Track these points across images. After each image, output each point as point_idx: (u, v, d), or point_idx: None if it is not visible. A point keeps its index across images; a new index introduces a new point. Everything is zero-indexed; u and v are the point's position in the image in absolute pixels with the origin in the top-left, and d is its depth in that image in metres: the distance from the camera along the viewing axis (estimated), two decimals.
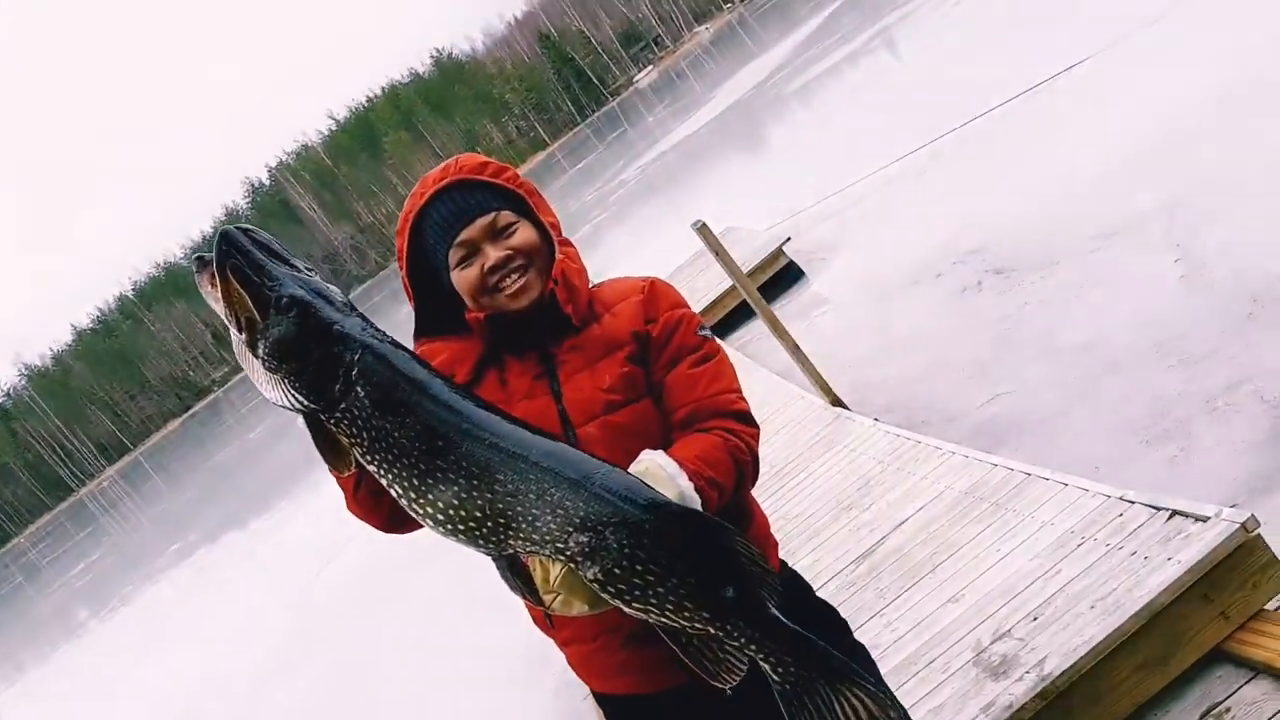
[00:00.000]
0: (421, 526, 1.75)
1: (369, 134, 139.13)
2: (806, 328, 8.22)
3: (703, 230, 5.62)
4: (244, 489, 27.55)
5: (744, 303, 8.93)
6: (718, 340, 1.92)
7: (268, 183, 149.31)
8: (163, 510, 39.89)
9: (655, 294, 1.90)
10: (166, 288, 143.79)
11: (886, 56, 21.31)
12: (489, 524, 1.56)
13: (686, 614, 1.55)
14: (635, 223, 22.76)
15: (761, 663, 1.57)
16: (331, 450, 1.62)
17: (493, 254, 1.79)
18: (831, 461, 4.95)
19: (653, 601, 1.55)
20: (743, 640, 1.56)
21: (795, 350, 5.99)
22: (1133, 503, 2.99)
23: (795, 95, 24.65)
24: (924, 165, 10.64)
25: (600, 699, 2.00)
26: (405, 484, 1.59)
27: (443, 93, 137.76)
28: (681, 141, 32.74)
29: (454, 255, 1.81)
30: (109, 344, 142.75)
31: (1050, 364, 5.46)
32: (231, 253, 1.58)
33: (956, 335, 6.56)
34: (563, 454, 1.60)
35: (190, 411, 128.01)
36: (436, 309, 1.90)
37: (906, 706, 2.75)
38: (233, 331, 1.60)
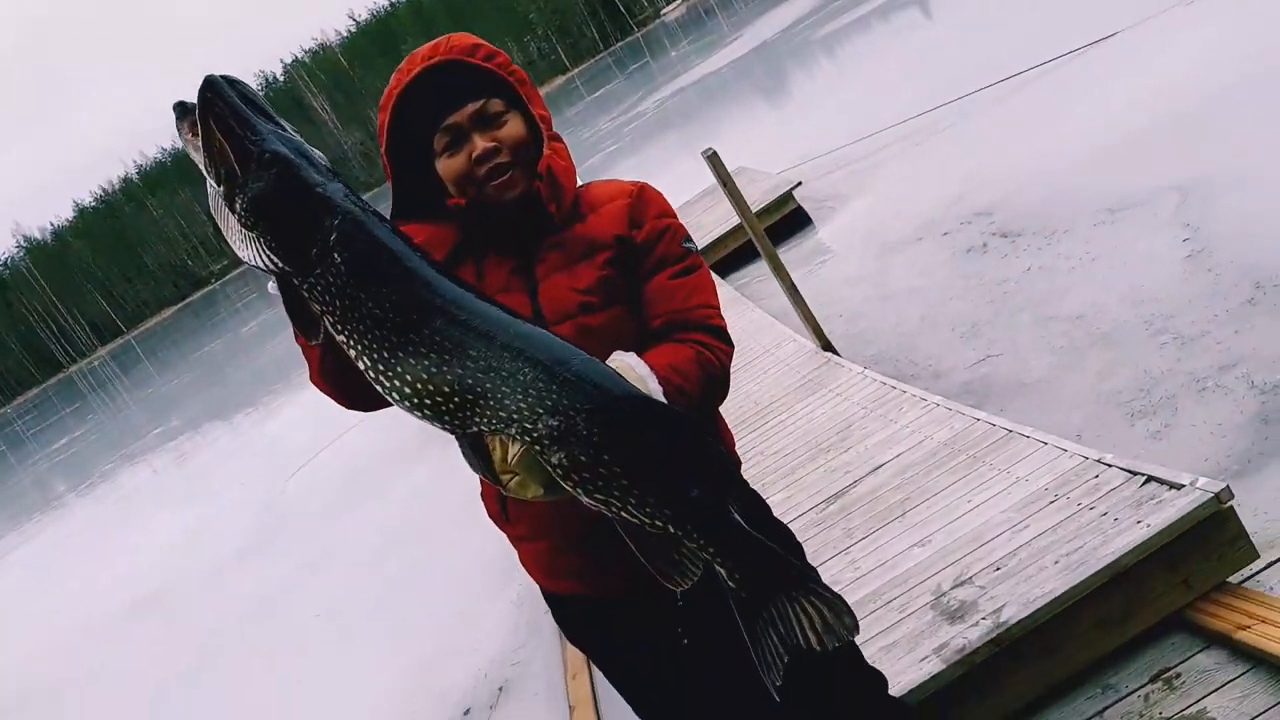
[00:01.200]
0: (386, 404, 1.71)
1: (389, 38, 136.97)
2: (807, 274, 8.18)
3: (713, 159, 5.54)
4: (231, 381, 27.58)
5: (747, 244, 8.87)
6: (700, 255, 1.87)
7: (281, 78, 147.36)
8: (150, 394, 39.89)
9: (644, 199, 1.85)
10: (172, 173, 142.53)
11: (918, 13, 20.94)
12: (456, 399, 1.52)
13: (648, 511, 1.52)
14: (647, 155, 22.50)
15: (719, 568, 1.55)
16: (301, 316, 1.58)
17: (480, 143, 1.73)
18: (815, 404, 4.94)
19: (615, 495, 1.51)
20: (702, 542, 1.53)
21: (793, 291, 5.94)
22: (1109, 465, 2.98)
23: (821, 43, 24.29)
24: (943, 123, 10.54)
25: (548, 597, 2.00)
26: (374, 356, 1.54)
27: (465, 4, 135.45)
28: (702, 79, 32.29)
29: (439, 140, 1.75)
30: (110, 225, 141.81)
31: (1045, 330, 5.44)
32: (215, 101, 1.51)
33: (955, 294, 6.52)
34: (539, 337, 1.56)
35: (185, 301, 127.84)
36: (415, 190, 1.84)
37: (861, 641, 2.77)
38: (210, 183, 1.55)
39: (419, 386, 1.53)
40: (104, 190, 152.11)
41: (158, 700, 7.78)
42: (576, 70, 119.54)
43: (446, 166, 1.76)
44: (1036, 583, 2.65)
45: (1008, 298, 6.05)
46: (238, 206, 1.52)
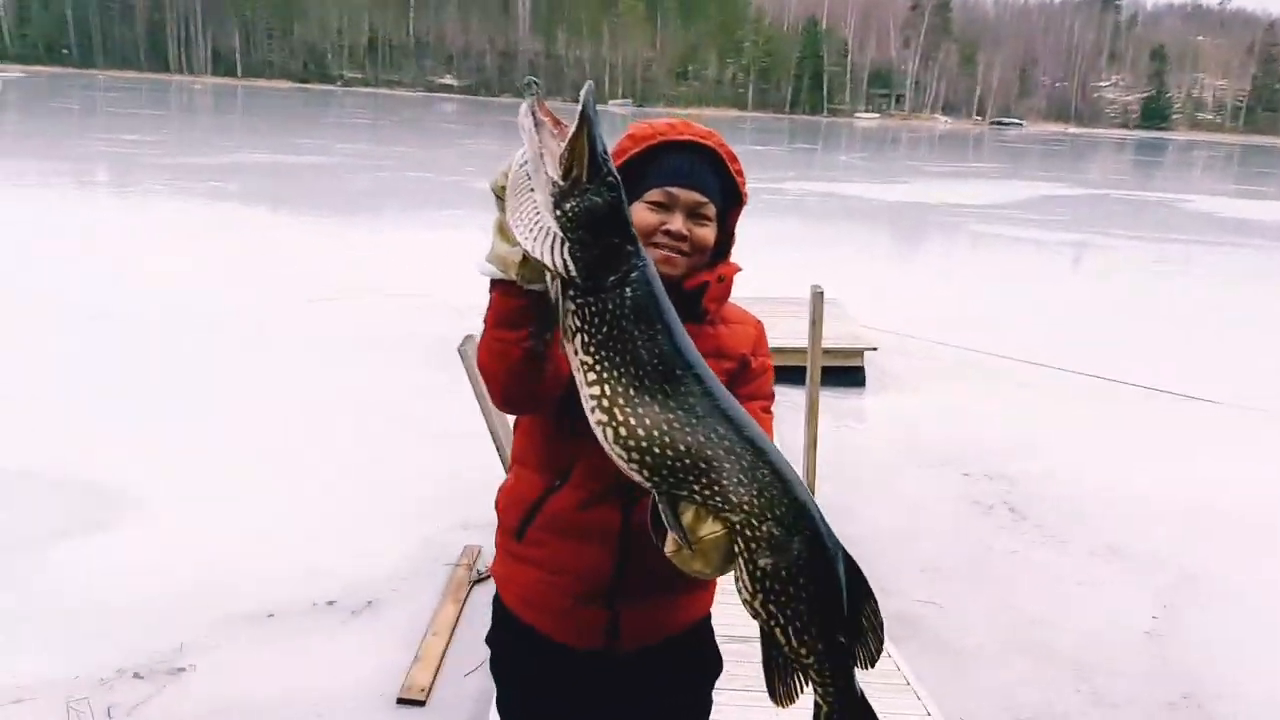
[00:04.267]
0: (532, 410, 1.86)
1: None
2: (830, 428, 8.38)
3: (817, 298, 5.81)
4: (305, 184, 27.80)
5: (799, 369, 9.13)
6: None
7: None
8: (232, 145, 40.14)
9: (763, 337, 2.13)
10: None
11: (1075, 261, 21.13)
12: (685, 461, 1.60)
13: (804, 639, 1.65)
14: (756, 230, 22.75)
15: (823, 705, 1.72)
16: (547, 318, 1.65)
17: (677, 224, 1.93)
18: None
19: (785, 614, 1.64)
20: (827, 682, 1.69)
21: (812, 445, 6.16)
22: None
23: (975, 236, 24.54)
24: (1038, 379, 10.67)
25: (505, 619, 2.10)
26: (619, 388, 1.60)
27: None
28: (851, 196, 32.63)
29: (655, 193, 1.94)
30: None
31: (995, 615, 5.63)
32: (592, 105, 1.58)
33: (940, 533, 6.73)
34: (773, 448, 1.68)
35: (304, 85, 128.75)
36: None
37: None
38: (543, 173, 1.58)
39: (655, 434, 1.60)
40: None
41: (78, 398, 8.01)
42: (752, 114, 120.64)
43: (640, 216, 1.93)
44: None
45: (982, 566, 6.26)
46: (567, 207, 1.57)
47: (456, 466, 6.91)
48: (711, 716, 2.24)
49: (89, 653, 4.63)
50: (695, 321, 1.98)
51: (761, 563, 1.61)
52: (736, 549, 1.63)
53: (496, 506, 2.11)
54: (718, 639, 4.07)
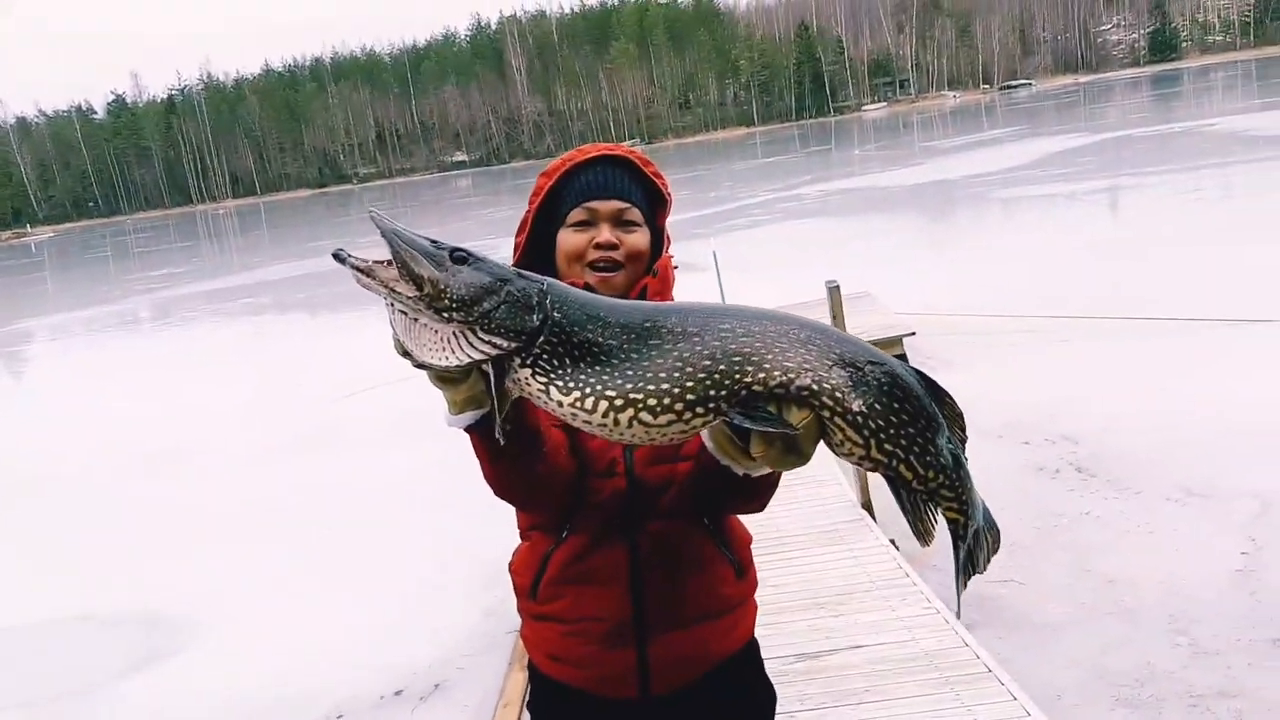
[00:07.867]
0: (544, 501, 1.85)
1: (603, 30, 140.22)
2: None
3: (834, 292, 5.70)
4: (331, 280, 28.27)
5: None
6: None
7: (493, 28, 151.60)
8: (256, 261, 40.99)
9: None
10: (358, 70, 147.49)
11: (1110, 213, 20.71)
12: (723, 366, 1.52)
13: (928, 461, 1.56)
14: (781, 239, 22.68)
15: (950, 516, 1.62)
16: (502, 403, 1.57)
17: (604, 234, 1.90)
18: (831, 557, 5.02)
19: (901, 444, 1.55)
20: (959, 497, 1.60)
21: None
22: None
23: (1000, 201, 24.19)
24: (1079, 333, 10.44)
25: (543, 682, 2.03)
26: (618, 381, 1.53)
27: (688, 26, 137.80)
28: (870, 187, 32.41)
29: (575, 215, 1.92)
30: (286, 94, 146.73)
31: (1074, 580, 5.44)
32: (384, 220, 1.55)
33: (1007, 506, 6.49)
34: (776, 312, 1.61)
35: (323, 189, 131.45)
36: (531, 254, 1.99)
37: None
38: (402, 302, 1.54)
39: (677, 375, 1.52)
40: (294, 62, 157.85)
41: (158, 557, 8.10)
42: (761, 129, 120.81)
43: (568, 240, 1.92)
44: None
45: (1054, 532, 6.05)
46: (446, 303, 1.52)
47: (502, 534, 6.83)
48: None
49: None
50: None
51: (855, 408, 1.52)
52: (825, 413, 1.53)
53: (511, 573, 2.05)
54: (782, 660, 3.96)
